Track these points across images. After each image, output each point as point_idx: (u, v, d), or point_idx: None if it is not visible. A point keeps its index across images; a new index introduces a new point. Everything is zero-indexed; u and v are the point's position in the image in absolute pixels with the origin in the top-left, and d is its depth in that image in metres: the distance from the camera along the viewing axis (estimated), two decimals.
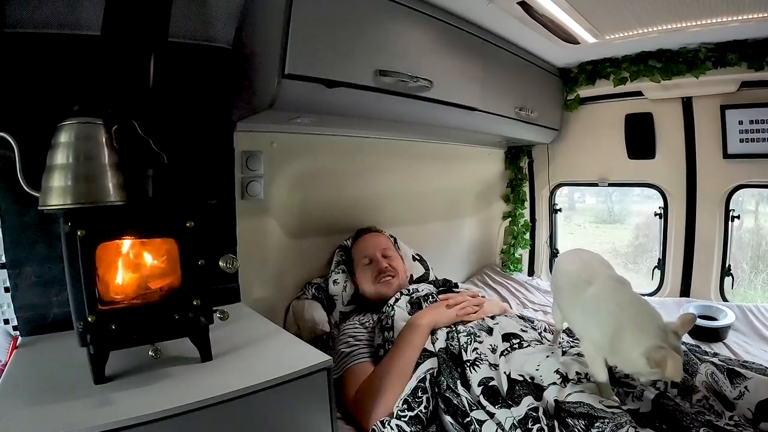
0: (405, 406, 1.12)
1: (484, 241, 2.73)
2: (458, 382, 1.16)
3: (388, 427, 1.09)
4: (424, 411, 1.12)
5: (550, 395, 1.04)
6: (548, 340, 1.35)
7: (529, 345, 1.25)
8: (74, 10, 1.09)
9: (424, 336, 1.29)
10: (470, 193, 2.58)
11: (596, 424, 0.92)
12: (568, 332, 1.43)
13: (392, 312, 1.40)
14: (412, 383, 1.17)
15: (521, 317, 1.53)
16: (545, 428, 0.96)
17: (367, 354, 1.37)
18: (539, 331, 1.43)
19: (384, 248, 1.73)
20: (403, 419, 1.10)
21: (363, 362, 1.33)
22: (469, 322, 1.38)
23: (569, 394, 1.02)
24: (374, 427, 1.10)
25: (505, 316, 1.48)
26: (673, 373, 0.85)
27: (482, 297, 1.56)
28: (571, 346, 1.27)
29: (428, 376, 1.19)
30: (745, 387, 1.02)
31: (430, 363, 1.22)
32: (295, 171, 1.70)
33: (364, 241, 1.76)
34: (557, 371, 1.10)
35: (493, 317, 1.39)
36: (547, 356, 1.16)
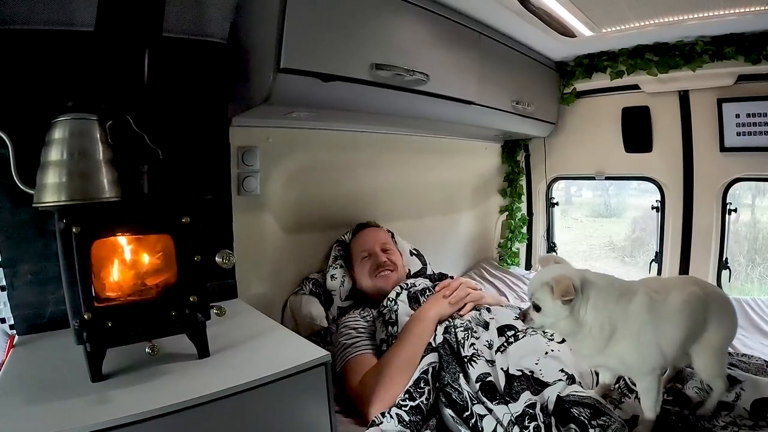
0: (407, 395, 1.13)
1: (482, 235, 2.72)
2: (460, 375, 1.16)
3: (388, 415, 1.09)
4: (425, 402, 1.12)
5: (553, 392, 1.04)
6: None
7: (525, 335, 1.24)
8: (67, 6, 1.08)
9: (431, 329, 1.30)
10: (467, 187, 2.57)
11: (602, 417, 0.94)
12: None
13: (396, 306, 1.40)
14: (416, 374, 1.17)
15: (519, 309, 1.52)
16: (542, 426, 0.97)
17: (369, 346, 1.37)
18: None
19: (383, 243, 1.73)
20: (403, 408, 1.10)
21: (366, 353, 1.34)
22: (466, 315, 1.38)
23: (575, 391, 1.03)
24: (374, 418, 1.11)
25: (500, 306, 1.48)
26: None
27: (479, 290, 1.56)
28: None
29: (431, 369, 1.19)
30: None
31: (433, 356, 1.22)
32: (292, 166, 1.69)
33: (364, 235, 1.76)
34: (562, 370, 1.10)
35: (489, 309, 1.39)
36: (546, 353, 1.16)
